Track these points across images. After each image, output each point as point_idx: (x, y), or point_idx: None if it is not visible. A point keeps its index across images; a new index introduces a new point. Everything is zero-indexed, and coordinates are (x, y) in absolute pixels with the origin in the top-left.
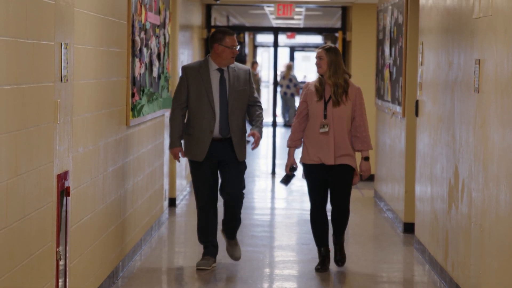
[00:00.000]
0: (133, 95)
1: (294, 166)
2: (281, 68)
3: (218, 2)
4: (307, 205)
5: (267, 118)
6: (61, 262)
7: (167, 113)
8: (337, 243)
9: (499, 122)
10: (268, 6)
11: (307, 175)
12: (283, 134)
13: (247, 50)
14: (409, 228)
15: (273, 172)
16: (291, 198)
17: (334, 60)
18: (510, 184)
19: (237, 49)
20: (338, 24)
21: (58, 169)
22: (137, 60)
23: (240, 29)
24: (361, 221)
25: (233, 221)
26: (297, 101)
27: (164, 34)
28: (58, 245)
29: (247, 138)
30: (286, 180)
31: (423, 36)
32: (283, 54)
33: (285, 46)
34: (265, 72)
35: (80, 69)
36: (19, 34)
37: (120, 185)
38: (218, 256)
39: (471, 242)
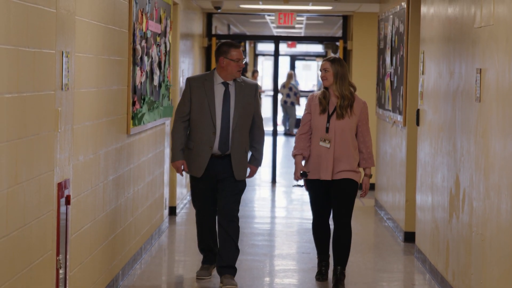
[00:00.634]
0: (133, 103)
1: (304, 171)
2: (283, 77)
3: (219, 11)
4: (308, 214)
5: (268, 127)
6: (61, 271)
7: (168, 121)
8: (337, 280)
9: (500, 132)
10: (269, 15)
11: (308, 188)
12: (283, 142)
13: (248, 59)
14: (409, 237)
15: (274, 181)
16: (292, 207)
17: (340, 72)
18: (511, 193)
19: (243, 62)
20: (339, 33)
21: (58, 178)
22: (138, 68)
23: (241, 38)
24: (361, 230)
25: (227, 247)
26: (297, 110)
27: (165, 43)
28: (58, 254)
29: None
30: (298, 185)
31: (424, 45)
32: (284, 63)
33: (285, 55)
34: (266, 81)
35: (81, 78)
36: (20, 43)
37: (120, 194)
38: None
39: (472, 251)
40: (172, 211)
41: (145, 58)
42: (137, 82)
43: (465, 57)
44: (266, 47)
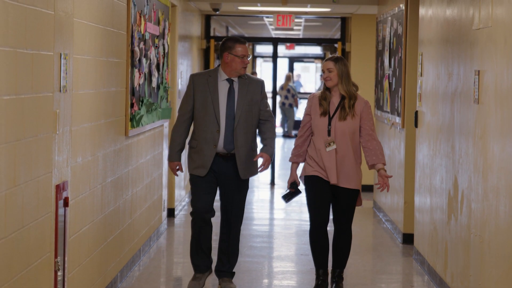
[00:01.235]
0: (132, 105)
1: (296, 182)
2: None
3: (217, 12)
4: (306, 215)
5: None
6: (59, 273)
7: (166, 123)
8: (336, 283)
9: (499, 133)
10: (267, 17)
11: (308, 188)
12: (282, 144)
13: None
14: (408, 239)
15: (272, 183)
16: (290, 209)
17: (344, 71)
18: (510, 195)
19: (248, 59)
20: (338, 35)
21: (57, 180)
22: (136, 70)
23: None
24: (360, 231)
25: (228, 250)
26: (295, 112)
27: (163, 45)
28: (56, 256)
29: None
30: (287, 196)
31: (423, 47)
32: (282, 65)
33: (284, 56)
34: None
35: (79, 79)
36: (18, 44)
37: (118, 196)
38: None
39: (470, 253)
40: (171, 213)
41: (144, 60)
42: (136, 84)
43: (463, 59)
44: (265, 49)
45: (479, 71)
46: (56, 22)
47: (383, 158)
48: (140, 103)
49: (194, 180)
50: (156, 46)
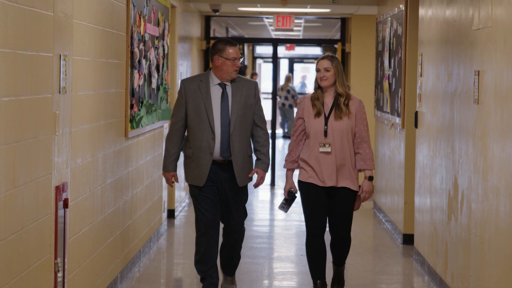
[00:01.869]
0: (132, 106)
1: (293, 190)
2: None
3: (217, 13)
4: None
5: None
6: (59, 274)
7: (166, 124)
8: (337, 272)
9: (498, 133)
10: (267, 18)
11: (304, 196)
12: (282, 145)
13: (246, 62)
14: (408, 239)
15: (273, 183)
16: (290, 210)
17: (340, 70)
18: (510, 195)
19: (240, 61)
20: (338, 36)
21: (56, 181)
22: (136, 71)
23: (239, 41)
24: (360, 232)
25: (231, 256)
26: (295, 112)
27: (163, 46)
28: (56, 257)
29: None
30: (285, 205)
31: (423, 47)
32: (283, 66)
33: (284, 57)
34: (264, 84)
35: (79, 81)
36: (17, 46)
37: (118, 197)
38: None
39: (470, 253)
40: (171, 214)
41: (143, 61)
42: (135, 85)
43: (463, 59)
44: (265, 50)
45: (478, 71)
46: (55, 24)
47: (371, 163)
48: (140, 104)
49: (194, 193)
50: (156, 47)
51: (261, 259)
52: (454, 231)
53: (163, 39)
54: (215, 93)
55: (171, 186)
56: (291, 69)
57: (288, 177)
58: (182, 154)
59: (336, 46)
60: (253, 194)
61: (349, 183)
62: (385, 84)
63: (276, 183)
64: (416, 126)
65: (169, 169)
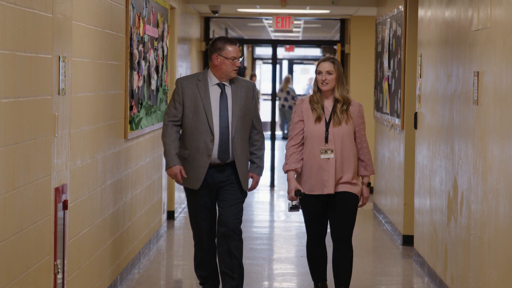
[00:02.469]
0: (131, 108)
1: (299, 189)
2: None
3: (216, 15)
4: None
5: (266, 131)
6: (59, 276)
7: None
8: None
9: (498, 134)
10: (266, 19)
11: (302, 205)
12: (281, 146)
13: (246, 63)
14: (408, 240)
15: (272, 185)
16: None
17: (341, 73)
18: (509, 196)
19: (239, 61)
20: (337, 37)
21: (56, 182)
22: (135, 73)
23: (238, 42)
24: (360, 233)
25: (230, 265)
26: None
27: (162, 47)
28: (55, 259)
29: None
30: (295, 206)
31: (422, 48)
32: (282, 67)
33: (283, 58)
34: (264, 85)
35: (78, 82)
36: (16, 47)
37: (118, 198)
38: None
39: (470, 254)
40: (170, 215)
41: (143, 62)
42: (135, 87)
43: (462, 60)
44: (264, 51)
45: (478, 72)
46: (54, 25)
47: (371, 169)
48: (139, 106)
49: (189, 198)
50: (155, 49)
51: (261, 261)
52: (454, 232)
53: (163, 41)
54: (214, 93)
55: (180, 181)
56: (290, 70)
57: (291, 178)
58: None
59: (335, 47)
60: (253, 195)
61: (349, 188)
62: (385, 85)
63: (275, 184)
64: (415, 127)
65: (174, 163)
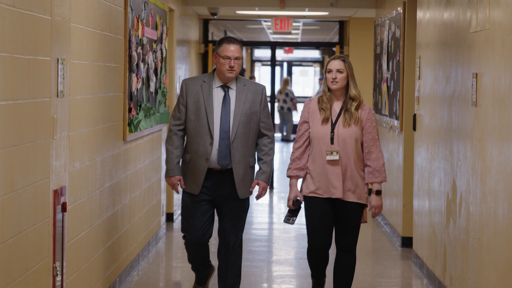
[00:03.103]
0: (130, 110)
1: (299, 199)
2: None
3: (215, 17)
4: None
5: None
6: (58, 278)
7: (165, 128)
8: None
9: (496, 136)
10: (265, 21)
11: (307, 209)
12: (280, 148)
13: (244, 65)
14: (407, 242)
15: (271, 187)
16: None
17: (352, 72)
18: (508, 197)
19: (234, 61)
20: (336, 39)
21: (54, 185)
22: (134, 75)
23: None
24: (359, 235)
25: (227, 278)
26: (294, 116)
27: (161, 49)
28: (54, 261)
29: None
30: (291, 217)
31: (421, 50)
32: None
33: (282, 60)
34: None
35: (77, 84)
36: (15, 50)
37: (117, 200)
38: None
39: (469, 256)
40: (169, 217)
41: (141, 64)
42: (133, 89)
43: (461, 62)
44: (263, 53)
45: (476, 73)
46: (53, 27)
47: (381, 176)
48: (138, 108)
49: (186, 203)
50: (154, 51)
51: (260, 263)
52: (453, 234)
53: (161, 43)
54: (217, 95)
55: (177, 192)
56: (289, 72)
57: (293, 185)
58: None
59: (334, 49)
60: (252, 198)
61: (356, 197)
62: (384, 87)
63: (274, 186)
64: (414, 129)
65: (173, 173)
